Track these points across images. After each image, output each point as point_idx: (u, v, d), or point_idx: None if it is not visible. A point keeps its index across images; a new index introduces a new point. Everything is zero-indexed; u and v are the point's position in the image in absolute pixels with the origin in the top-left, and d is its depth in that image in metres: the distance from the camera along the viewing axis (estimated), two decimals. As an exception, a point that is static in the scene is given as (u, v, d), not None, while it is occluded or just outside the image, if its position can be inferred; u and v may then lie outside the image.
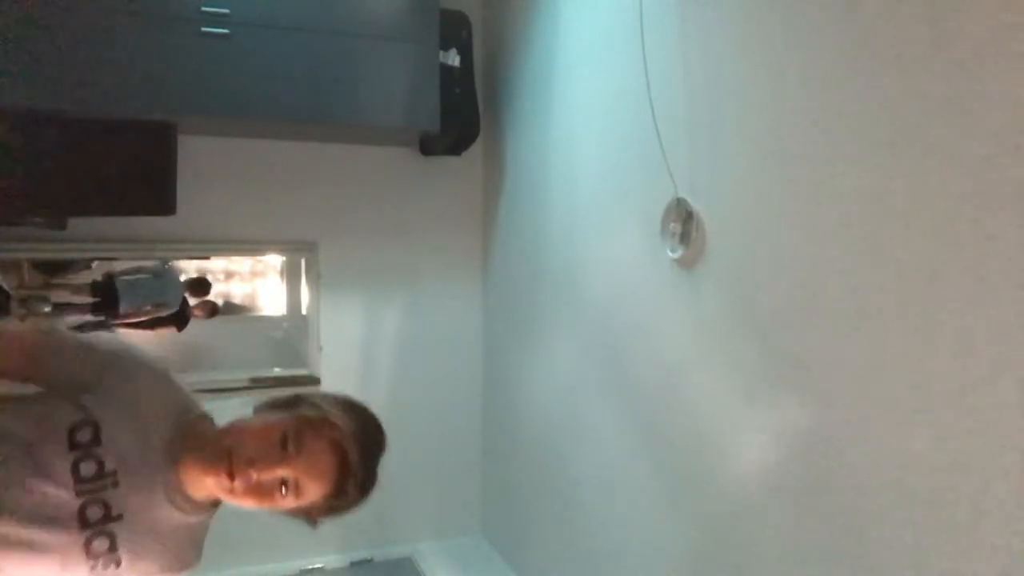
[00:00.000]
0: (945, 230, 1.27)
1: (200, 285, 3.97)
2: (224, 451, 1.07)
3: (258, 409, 1.18)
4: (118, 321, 3.68)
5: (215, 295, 4.07)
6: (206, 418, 1.19)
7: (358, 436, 1.13)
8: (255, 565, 3.05)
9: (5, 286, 3.15)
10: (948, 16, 1.27)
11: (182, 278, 3.90)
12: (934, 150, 1.29)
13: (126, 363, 1.14)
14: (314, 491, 1.10)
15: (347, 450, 1.10)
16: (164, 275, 3.80)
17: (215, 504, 1.17)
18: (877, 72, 1.40)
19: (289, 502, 1.09)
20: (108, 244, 2.97)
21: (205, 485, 1.10)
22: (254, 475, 1.05)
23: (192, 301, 3.94)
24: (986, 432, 1.20)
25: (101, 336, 1.20)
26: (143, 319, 3.70)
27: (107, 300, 3.61)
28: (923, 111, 1.31)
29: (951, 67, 1.26)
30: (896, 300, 1.36)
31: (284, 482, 1.07)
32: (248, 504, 1.09)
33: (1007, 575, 1.18)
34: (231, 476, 1.05)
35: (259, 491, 1.07)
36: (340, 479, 1.11)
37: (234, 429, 1.12)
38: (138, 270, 3.74)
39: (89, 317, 3.68)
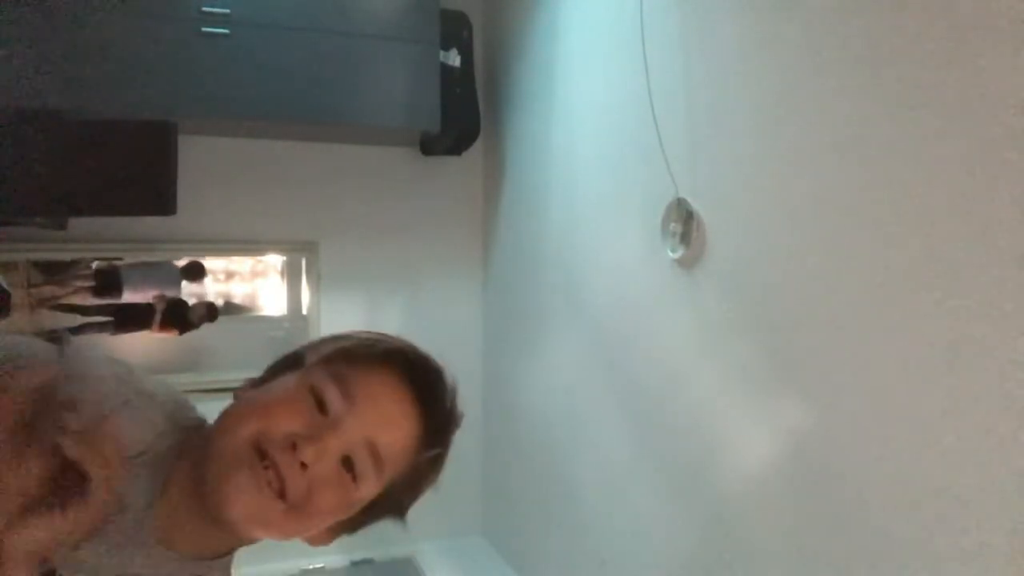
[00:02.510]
0: (948, 231, 1.27)
1: (193, 271, 4.00)
2: (245, 447, 0.66)
3: (246, 388, 0.80)
4: (120, 321, 3.70)
5: (215, 295, 4.07)
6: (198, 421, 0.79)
7: (411, 346, 0.79)
8: (255, 565, 3.04)
9: (5, 286, 3.15)
10: (954, 16, 1.27)
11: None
12: (937, 150, 1.29)
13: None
14: (398, 442, 0.72)
15: (415, 360, 0.76)
16: (164, 265, 3.89)
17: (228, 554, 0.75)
18: (880, 71, 1.40)
19: (370, 484, 0.71)
20: (108, 244, 2.97)
21: (223, 521, 0.66)
22: (309, 454, 0.66)
23: (190, 294, 3.97)
24: (987, 430, 1.20)
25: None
26: (147, 312, 3.75)
27: (110, 285, 3.66)
28: (926, 111, 1.31)
29: (956, 68, 1.26)
30: (897, 300, 1.36)
31: (349, 458, 0.69)
32: (305, 526, 0.70)
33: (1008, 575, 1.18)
34: (281, 480, 0.65)
35: (322, 489, 0.68)
36: (425, 405, 0.74)
37: (240, 415, 0.70)
38: (139, 263, 3.83)
39: (89, 319, 3.69)
